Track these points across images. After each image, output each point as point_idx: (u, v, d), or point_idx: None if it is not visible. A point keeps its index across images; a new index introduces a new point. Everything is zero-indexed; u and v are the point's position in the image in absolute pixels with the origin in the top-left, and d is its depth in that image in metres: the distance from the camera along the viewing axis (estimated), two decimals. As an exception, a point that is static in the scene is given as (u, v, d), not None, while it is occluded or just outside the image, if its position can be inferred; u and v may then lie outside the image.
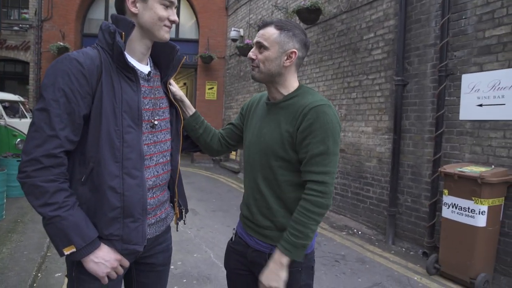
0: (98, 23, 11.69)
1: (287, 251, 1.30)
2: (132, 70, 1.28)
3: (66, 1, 10.83)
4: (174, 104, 1.49)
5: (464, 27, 3.89)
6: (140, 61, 1.36)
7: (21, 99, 8.65)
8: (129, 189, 1.24)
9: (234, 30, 9.56)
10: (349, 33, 5.62)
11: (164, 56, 1.45)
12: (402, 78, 4.54)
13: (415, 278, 3.51)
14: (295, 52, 1.39)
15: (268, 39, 1.38)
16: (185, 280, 3.22)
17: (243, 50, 8.67)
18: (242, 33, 9.61)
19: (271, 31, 1.38)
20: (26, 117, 8.14)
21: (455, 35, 3.98)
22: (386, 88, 4.88)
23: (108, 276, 1.23)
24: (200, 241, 4.23)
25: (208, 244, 4.16)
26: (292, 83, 1.44)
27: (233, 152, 9.86)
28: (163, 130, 1.42)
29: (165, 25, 1.32)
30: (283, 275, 1.31)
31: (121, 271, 1.27)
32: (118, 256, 1.25)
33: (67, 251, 1.17)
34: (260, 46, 1.40)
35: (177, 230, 1.67)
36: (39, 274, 3.08)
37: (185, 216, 1.58)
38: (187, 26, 11.67)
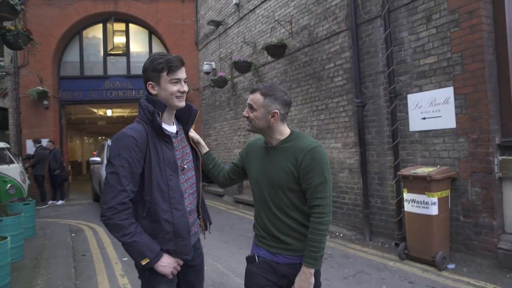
0: (74, 65, 12.19)
1: (312, 264, 1.69)
2: (168, 136, 1.79)
3: (42, 47, 11.21)
4: (194, 148, 2.02)
5: (404, 57, 4.84)
6: (168, 124, 1.87)
7: (7, 145, 8.96)
8: (176, 218, 1.76)
9: (206, 63, 10.34)
10: (312, 63, 6.52)
11: (185, 114, 1.96)
12: (361, 100, 5.42)
13: (390, 263, 4.27)
14: (277, 112, 1.74)
15: (256, 103, 1.75)
16: None
17: (218, 82, 9.42)
18: (214, 66, 10.40)
19: (257, 97, 1.76)
20: (14, 163, 8.44)
21: (398, 63, 4.92)
22: (349, 109, 5.76)
23: (171, 273, 1.81)
24: (205, 257, 4.81)
25: (213, 258, 4.75)
26: (283, 131, 1.80)
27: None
28: (190, 169, 1.94)
29: (177, 97, 1.79)
30: (312, 281, 1.71)
31: (178, 268, 1.85)
32: (175, 260, 1.82)
33: (143, 262, 1.70)
34: (251, 107, 1.77)
35: (204, 238, 2.09)
36: (78, 298, 3.60)
37: (209, 227, 2.10)
38: (160, 63, 12.34)
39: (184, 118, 1.98)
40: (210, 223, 2.11)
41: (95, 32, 12.45)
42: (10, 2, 4.25)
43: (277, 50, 6.90)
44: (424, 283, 3.66)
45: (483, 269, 3.88)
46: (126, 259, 4.79)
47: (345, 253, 4.74)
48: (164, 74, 1.75)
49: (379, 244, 5.06)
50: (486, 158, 3.99)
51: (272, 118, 1.75)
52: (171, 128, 1.87)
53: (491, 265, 3.88)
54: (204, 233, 2.10)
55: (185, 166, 1.90)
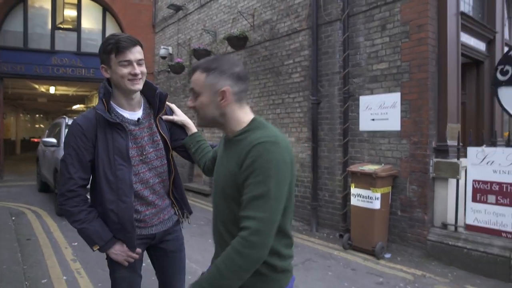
0: (16, 35, 11.28)
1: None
2: (118, 124, 1.71)
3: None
4: (163, 136, 1.87)
5: (359, 61, 5.17)
6: (131, 110, 1.78)
7: None
8: (121, 210, 1.71)
9: (163, 48, 10.11)
10: (272, 58, 6.69)
11: (151, 98, 1.85)
12: (316, 98, 5.70)
13: (335, 253, 4.61)
14: (227, 90, 1.29)
15: (197, 84, 1.33)
16: None
17: (175, 68, 9.28)
18: (171, 51, 10.21)
19: (198, 76, 1.34)
20: None
21: (353, 66, 5.23)
22: (304, 106, 6.02)
23: (127, 261, 1.81)
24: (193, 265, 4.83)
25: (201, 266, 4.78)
26: (242, 118, 1.34)
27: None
28: (159, 158, 1.84)
29: (129, 79, 1.67)
30: None
31: (134, 257, 1.79)
32: (127, 249, 1.77)
33: (94, 248, 1.74)
34: (194, 93, 1.35)
35: (182, 228, 2.04)
36: (26, 283, 3.48)
37: (187, 217, 2.02)
38: (113, 42, 11.85)
39: (153, 102, 1.86)
40: (190, 213, 2.05)
41: (43, 2, 11.59)
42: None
43: (238, 42, 6.97)
44: (365, 270, 4.03)
45: (414, 258, 4.35)
46: (76, 243, 4.67)
47: (294, 243, 5.01)
48: (113, 56, 1.66)
49: (325, 235, 5.41)
50: (424, 159, 4.43)
51: (223, 100, 1.30)
52: (132, 114, 1.79)
53: (420, 255, 4.36)
54: (182, 222, 2.04)
55: (149, 156, 1.81)
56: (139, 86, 1.73)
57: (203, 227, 5.66)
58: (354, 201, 4.68)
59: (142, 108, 1.85)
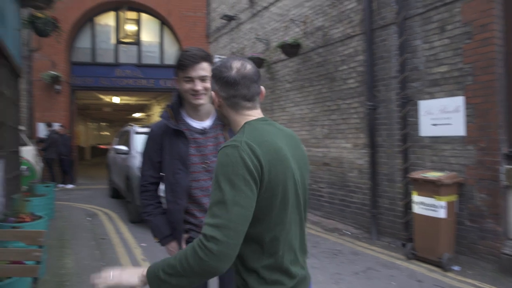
0: (85, 51, 12.33)
1: (148, 273, 1.14)
2: (180, 131, 1.83)
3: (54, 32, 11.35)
4: None
5: (417, 65, 5.02)
6: (199, 119, 1.90)
7: (22, 127, 9.18)
8: (174, 211, 1.86)
9: (217, 57, 10.46)
10: (326, 64, 6.69)
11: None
12: (373, 103, 5.62)
13: (398, 262, 4.53)
14: (215, 94, 1.30)
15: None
16: None
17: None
18: (225, 60, 10.54)
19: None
20: (28, 145, 8.66)
21: (411, 70, 5.10)
22: (360, 111, 5.95)
23: None
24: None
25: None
26: (239, 122, 1.29)
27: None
28: None
29: (191, 94, 1.80)
30: (132, 281, 1.15)
31: None
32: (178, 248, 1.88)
33: (155, 240, 1.95)
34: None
35: None
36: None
37: None
38: (171, 52, 12.52)
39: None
40: None
41: (107, 19, 12.55)
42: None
43: (291, 49, 7.06)
44: (432, 282, 3.91)
45: (487, 272, 4.12)
46: (145, 244, 5.05)
47: (354, 250, 5.00)
48: (180, 71, 1.81)
49: (386, 243, 5.32)
50: (493, 166, 4.21)
51: (216, 106, 1.32)
52: (198, 123, 1.90)
53: (494, 269, 4.12)
54: None
55: (212, 165, 1.85)
56: (201, 101, 1.82)
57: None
58: (416, 209, 4.56)
59: (211, 118, 1.93)
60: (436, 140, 4.80)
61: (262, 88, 1.34)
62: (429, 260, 4.41)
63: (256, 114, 1.30)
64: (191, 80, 1.76)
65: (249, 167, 1.11)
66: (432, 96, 4.85)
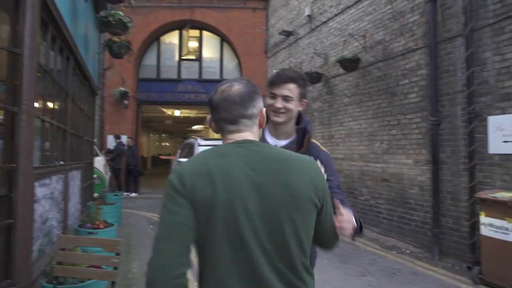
0: (151, 68, 13.21)
1: None
2: None
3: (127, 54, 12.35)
4: None
5: (486, 78, 4.78)
6: (277, 137, 1.91)
7: (94, 140, 10.04)
8: None
9: (275, 71, 10.68)
10: (386, 78, 6.57)
11: (297, 133, 1.94)
12: (436, 119, 5.41)
13: (463, 286, 4.27)
14: (210, 118, 1.29)
15: None
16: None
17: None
18: (282, 74, 10.73)
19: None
20: (99, 155, 9.45)
21: (479, 84, 4.86)
22: (423, 126, 5.75)
23: None
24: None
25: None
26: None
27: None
28: None
29: (272, 111, 1.82)
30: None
31: None
32: None
33: None
34: None
35: None
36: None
37: None
38: (230, 68, 13.01)
39: (298, 138, 1.92)
40: None
41: (172, 38, 13.38)
42: (123, 21, 4.92)
43: (350, 64, 7.04)
44: (500, 310, 3.66)
45: None
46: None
47: (414, 270, 4.80)
48: (268, 87, 1.87)
49: (449, 265, 5.03)
50: None
51: (213, 130, 1.32)
52: (274, 141, 1.92)
53: None
54: None
55: None
56: (279, 119, 1.84)
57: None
58: (484, 231, 4.29)
59: (289, 139, 1.92)
60: (508, 158, 4.50)
61: (262, 108, 1.29)
62: (498, 287, 4.11)
63: (239, 137, 1.22)
64: (274, 97, 1.83)
65: (176, 188, 1.11)
66: (503, 111, 4.58)
